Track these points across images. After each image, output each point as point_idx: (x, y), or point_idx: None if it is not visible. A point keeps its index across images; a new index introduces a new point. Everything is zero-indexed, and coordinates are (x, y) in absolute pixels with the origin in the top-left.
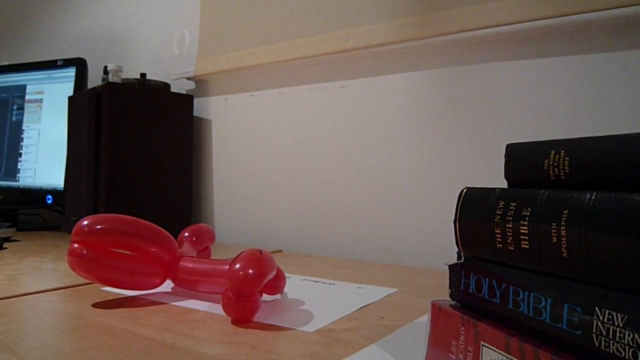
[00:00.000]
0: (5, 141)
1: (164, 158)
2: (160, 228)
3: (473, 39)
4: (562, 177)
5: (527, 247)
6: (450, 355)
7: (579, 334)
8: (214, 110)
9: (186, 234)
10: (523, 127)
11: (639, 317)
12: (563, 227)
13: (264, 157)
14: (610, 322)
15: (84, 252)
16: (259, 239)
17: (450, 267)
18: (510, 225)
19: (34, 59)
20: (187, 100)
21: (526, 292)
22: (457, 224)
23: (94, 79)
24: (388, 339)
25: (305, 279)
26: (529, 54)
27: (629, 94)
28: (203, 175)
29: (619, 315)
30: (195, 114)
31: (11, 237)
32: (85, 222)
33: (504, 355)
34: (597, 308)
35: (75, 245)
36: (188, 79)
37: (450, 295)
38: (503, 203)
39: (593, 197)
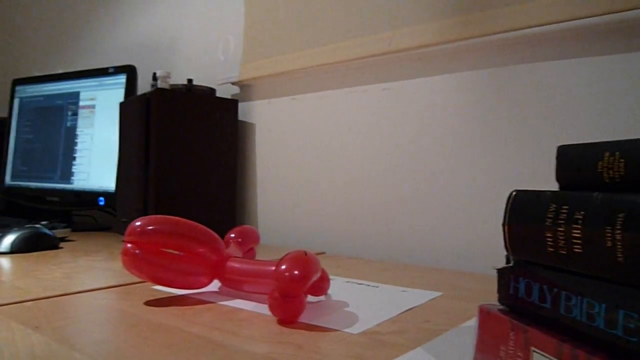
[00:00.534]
0: (61, 146)
1: (210, 161)
2: (208, 229)
3: (521, 38)
4: (617, 180)
5: (580, 251)
6: None
7: (636, 341)
8: (258, 114)
9: (232, 235)
10: (573, 128)
11: None
12: (619, 231)
13: (306, 160)
14: None
15: (137, 252)
16: (301, 240)
17: (499, 271)
18: (562, 229)
19: (87, 67)
20: (232, 104)
21: (579, 297)
22: (506, 227)
23: (144, 86)
24: (434, 342)
25: (348, 281)
26: (580, 53)
27: None
28: (247, 178)
29: None
30: (239, 118)
31: (66, 237)
32: (138, 223)
33: None
34: None
35: (129, 245)
36: (233, 83)
37: (499, 300)
38: (555, 206)
39: None
